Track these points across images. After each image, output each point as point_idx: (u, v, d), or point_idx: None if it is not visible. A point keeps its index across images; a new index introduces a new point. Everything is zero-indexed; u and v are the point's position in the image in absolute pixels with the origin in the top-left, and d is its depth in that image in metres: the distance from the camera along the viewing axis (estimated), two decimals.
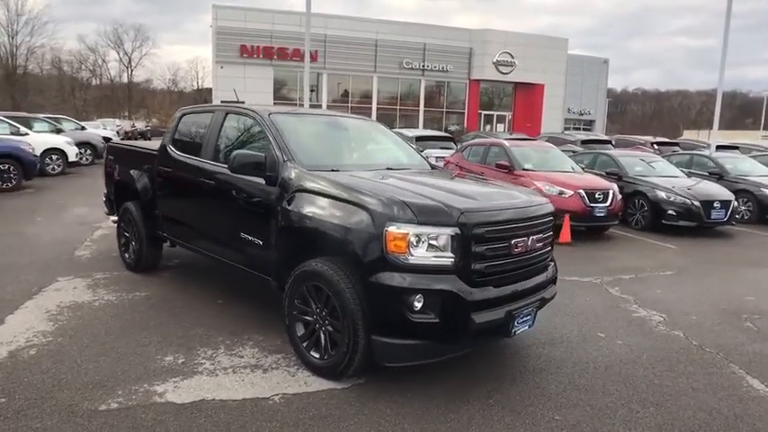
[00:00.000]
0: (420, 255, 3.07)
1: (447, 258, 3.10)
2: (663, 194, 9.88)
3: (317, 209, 3.50)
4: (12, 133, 12.75)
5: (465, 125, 35.02)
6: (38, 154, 12.21)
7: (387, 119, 34.54)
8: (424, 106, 35.00)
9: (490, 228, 3.21)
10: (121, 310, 4.66)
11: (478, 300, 3.15)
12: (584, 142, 16.74)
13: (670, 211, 9.72)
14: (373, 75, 33.71)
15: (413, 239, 3.05)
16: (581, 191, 8.82)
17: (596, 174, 11.02)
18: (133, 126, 43.07)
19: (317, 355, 3.50)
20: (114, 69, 66.24)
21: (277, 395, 3.29)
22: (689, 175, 11.74)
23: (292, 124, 4.37)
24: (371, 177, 3.73)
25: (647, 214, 10.02)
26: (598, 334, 4.60)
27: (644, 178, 10.50)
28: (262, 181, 3.92)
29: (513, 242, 3.31)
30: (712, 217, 9.69)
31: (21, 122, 14.05)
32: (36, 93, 42.47)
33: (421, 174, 4.27)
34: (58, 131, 15.09)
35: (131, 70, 67.78)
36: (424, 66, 33.84)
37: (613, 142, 17.75)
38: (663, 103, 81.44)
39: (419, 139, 15.78)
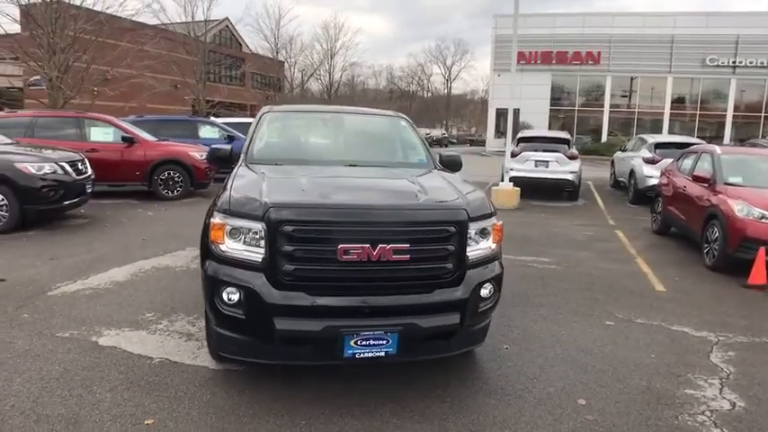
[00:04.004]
0: (233, 247, 3.06)
1: (257, 254, 3.00)
2: None
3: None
4: None
5: None
6: None
7: (684, 126, 29.61)
8: (734, 111, 28.64)
9: (299, 226, 2.93)
10: (183, 276, 5.74)
11: (283, 304, 2.93)
12: None
13: None
14: (667, 75, 29.37)
15: (228, 230, 3.06)
16: None
17: None
18: (427, 134, 47.73)
19: None
20: (438, 82, 74.51)
21: (162, 359, 3.73)
22: None
23: (278, 120, 4.69)
24: (289, 170, 3.78)
25: None
26: (577, 400, 3.45)
27: None
28: None
29: (339, 247, 2.92)
30: None
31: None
32: (362, 104, 51.28)
33: (368, 171, 4.00)
34: None
35: (450, 83, 74.64)
36: (734, 62, 27.75)
37: None
38: None
39: (659, 146, 13.28)
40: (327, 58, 43.55)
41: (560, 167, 13.44)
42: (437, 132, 53.36)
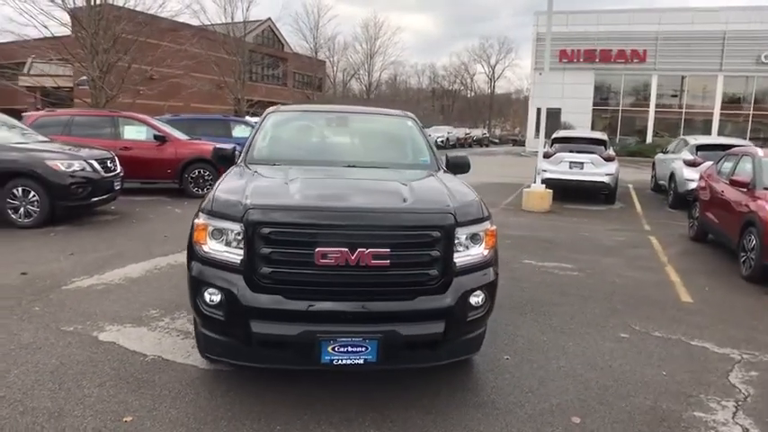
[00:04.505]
0: (215, 248, 3.04)
1: (236, 255, 2.98)
2: None
3: None
4: None
5: None
6: None
7: (736, 127, 28.19)
8: None
9: (275, 228, 2.88)
10: None
11: (261, 307, 2.89)
12: None
13: None
14: (718, 74, 28.00)
15: (210, 231, 3.05)
16: None
17: None
18: (467, 133, 47.14)
19: None
20: (481, 81, 73.80)
21: (156, 356, 3.77)
22: None
23: (282, 120, 4.67)
24: (283, 171, 3.75)
25: None
26: (571, 418, 3.25)
27: None
28: None
29: (317, 250, 2.86)
30: None
31: None
32: (401, 103, 51.39)
33: (364, 173, 3.92)
34: None
35: (494, 82, 73.83)
36: None
37: None
38: None
39: (701, 148, 12.61)
40: (367, 57, 43.77)
41: (596, 169, 12.94)
42: (477, 132, 52.62)
